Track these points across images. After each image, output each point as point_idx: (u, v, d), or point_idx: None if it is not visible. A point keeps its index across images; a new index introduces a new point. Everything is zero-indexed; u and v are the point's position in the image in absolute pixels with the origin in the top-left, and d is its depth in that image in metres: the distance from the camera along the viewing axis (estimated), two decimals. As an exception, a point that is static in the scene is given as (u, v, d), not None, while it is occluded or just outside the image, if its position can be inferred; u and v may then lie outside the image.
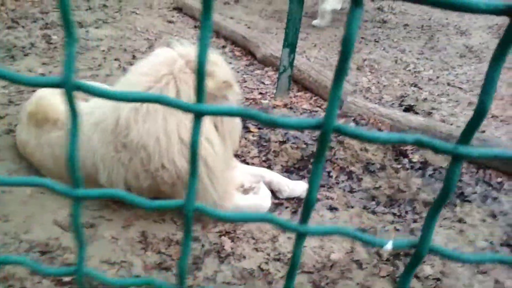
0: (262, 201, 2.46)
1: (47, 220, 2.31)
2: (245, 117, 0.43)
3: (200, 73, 0.42)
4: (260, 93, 3.98)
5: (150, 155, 2.10)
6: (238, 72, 4.39)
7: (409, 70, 4.86)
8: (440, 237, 2.48)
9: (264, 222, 0.50)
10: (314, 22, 6.01)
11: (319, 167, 0.46)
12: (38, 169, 2.59)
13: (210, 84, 2.07)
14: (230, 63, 4.55)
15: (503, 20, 7.12)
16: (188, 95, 2.08)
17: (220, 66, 2.16)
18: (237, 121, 2.43)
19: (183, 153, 2.11)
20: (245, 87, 4.11)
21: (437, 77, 4.74)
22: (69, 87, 0.46)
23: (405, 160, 3.08)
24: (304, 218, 0.49)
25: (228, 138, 2.30)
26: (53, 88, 0.47)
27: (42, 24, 4.77)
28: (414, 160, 3.09)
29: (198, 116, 0.45)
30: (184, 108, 0.44)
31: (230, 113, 0.43)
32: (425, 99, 4.15)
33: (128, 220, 2.34)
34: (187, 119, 2.09)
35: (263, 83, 4.22)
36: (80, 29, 4.83)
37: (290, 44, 3.57)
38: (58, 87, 0.46)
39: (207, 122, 2.15)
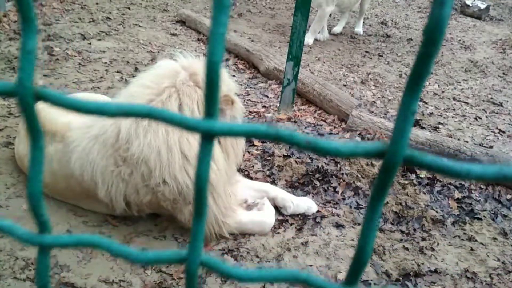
0: (266, 218, 2.38)
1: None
2: (273, 139, 0.35)
3: (213, 83, 0.35)
4: (264, 106, 3.93)
5: (151, 170, 2.04)
6: (241, 85, 4.34)
7: (414, 84, 4.81)
8: (450, 256, 2.40)
9: (296, 282, 0.38)
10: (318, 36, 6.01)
11: (377, 209, 0.36)
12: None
13: None
14: (234, 76, 4.51)
15: (506, 36, 7.11)
16: (191, 109, 2.02)
17: (222, 79, 2.10)
18: None
19: (185, 168, 2.04)
20: (249, 100, 4.05)
21: (443, 92, 4.69)
22: (25, 95, 0.36)
23: (413, 176, 3.01)
24: (352, 280, 0.38)
25: (231, 152, 2.23)
26: (7, 96, 0.38)
27: (45, 36, 4.74)
28: (422, 176, 3.02)
29: (208, 137, 0.36)
30: (191, 126, 0.36)
31: (253, 134, 0.36)
32: (431, 114, 4.09)
33: (128, 237, 2.27)
34: (190, 133, 2.03)
35: (266, 96, 4.17)
36: (83, 41, 4.80)
37: (295, 57, 3.53)
38: (11, 95, 0.37)
39: None
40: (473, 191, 2.96)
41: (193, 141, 2.02)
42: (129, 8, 6.26)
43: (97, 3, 6.28)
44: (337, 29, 6.39)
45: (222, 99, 2.04)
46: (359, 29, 6.49)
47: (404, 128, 0.32)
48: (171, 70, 2.11)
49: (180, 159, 2.01)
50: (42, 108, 2.52)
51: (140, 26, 5.60)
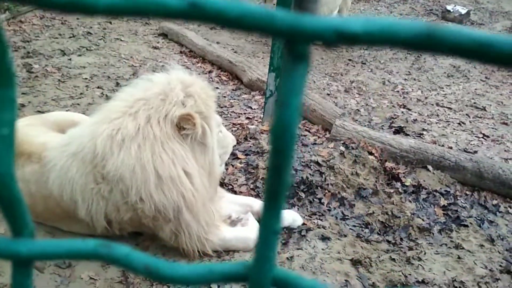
0: (250, 233, 2.33)
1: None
2: (106, 262, 0.28)
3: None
4: (248, 118, 3.89)
5: (128, 188, 1.98)
6: (225, 97, 4.31)
7: (397, 91, 4.82)
8: (438, 265, 2.37)
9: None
10: None
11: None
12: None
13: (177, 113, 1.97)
14: (217, 88, 4.48)
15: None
16: (159, 122, 1.98)
17: (195, 96, 2.03)
18: (220, 151, 2.33)
19: (161, 187, 1.99)
20: (232, 112, 4.02)
21: (426, 98, 4.71)
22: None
23: (398, 184, 2.99)
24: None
25: (210, 169, 2.17)
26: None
27: (24, 53, 4.67)
28: (407, 184, 3.00)
29: (18, 263, 0.29)
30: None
31: (76, 255, 0.30)
32: (415, 120, 4.09)
33: (107, 258, 2.20)
34: (164, 150, 1.98)
35: (250, 107, 4.14)
36: (63, 57, 4.73)
37: (276, 68, 3.50)
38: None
39: (186, 152, 2.03)
40: (458, 198, 2.94)
41: (166, 159, 1.96)
42: (110, 23, 6.21)
43: (77, 18, 6.22)
44: None
45: (179, 118, 1.96)
46: None
47: (267, 250, 0.28)
48: (157, 84, 2.08)
49: (155, 178, 1.96)
50: (20, 129, 2.46)
51: (121, 40, 5.55)
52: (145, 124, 1.97)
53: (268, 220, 0.27)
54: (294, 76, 0.28)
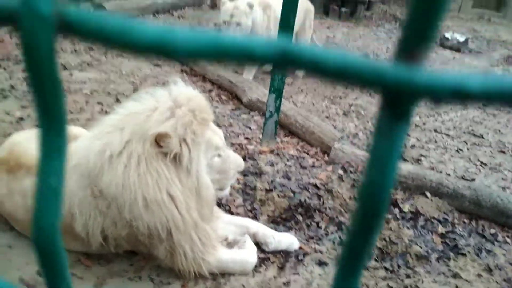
0: (248, 256, 2.30)
1: (13, 277, 2.11)
2: None
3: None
4: (246, 138, 3.89)
5: (121, 205, 1.96)
6: (224, 116, 4.32)
7: (396, 116, 4.85)
8: (435, 295, 2.34)
9: None
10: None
11: None
12: (8, 221, 2.41)
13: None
14: (217, 107, 4.49)
15: (485, 68, 7.29)
16: (139, 138, 1.95)
17: (178, 116, 1.95)
18: (217, 175, 2.20)
19: (149, 209, 1.95)
20: (231, 131, 4.02)
21: (424, 124, 4.73)
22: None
23: (396, 210, 2.98)
24: None
25: (197, 192, 2.08)
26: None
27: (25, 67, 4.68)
28: (405, 210, 2.99)
29: None
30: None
31: None
32: (412, 146, 4.10)
33: (101, 278, 2.16)
34: (149, 171, 1.93)
35: (249, 127, 4.14)
36: (64, 71, 4.74)
37: (277, 89, 3.52)
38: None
39: (170, 173, 1.97)
40: (456, 226, 2.93)
41: (151, 181, 1.92)
42: (112, 39, 6.26)
43: (80, 34, 6.26)
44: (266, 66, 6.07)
45: (154, 136, 1.90)
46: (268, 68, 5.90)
47: None
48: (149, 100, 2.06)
49: (142, 200, 1.93)
50: (20, 142, 2.45)
51: (123, 56, 5.58)
52: (129, 140, 1.94)
53: (342, 281, 0.25)
54: (393, 136, 0.25)
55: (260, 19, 5.04)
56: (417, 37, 0.23)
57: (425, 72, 0.23)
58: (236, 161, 2.24)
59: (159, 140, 1.91)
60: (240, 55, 0.24)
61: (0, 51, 5.04)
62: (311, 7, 5.97)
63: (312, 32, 6.24)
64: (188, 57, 0.25)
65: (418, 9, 0.23)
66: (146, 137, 1.93)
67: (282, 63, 0.24)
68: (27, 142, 2.46)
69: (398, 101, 0.24)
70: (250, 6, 4.80)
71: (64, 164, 0.26)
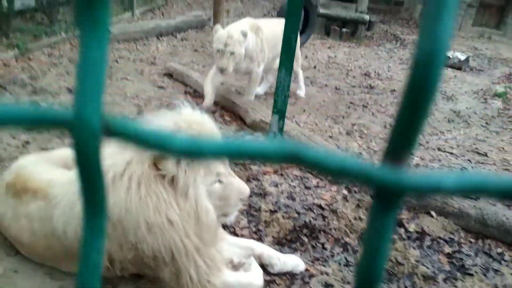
0: (254, 279, 2.29)
1: (18, 302, 2.11)
2: None
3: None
4: (250, 159, 3.90)
5: (126, 228, 1.96)
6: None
7: (399, 135, 4.86)
8: (443, 316, 2.32)
9: None
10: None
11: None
12: (13, 245, 2.42)
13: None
14: (220, 128, 4.51)
15: (487, 86, 7.33)
16: (138, 160, 1.96)
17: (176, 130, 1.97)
18: (218, 202, 2.15)
19: (151, 233, 1.95)
20: (235, 153, 4.04)
21: (427, 142, 4.74)
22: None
23: (401, 230, 2.96)
24: None
25: (196, 216, 2.04)
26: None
27: (31, 90, 4.75)
28: (411, 229, 2.97)
29: None
30: None
31: None
32: (417, 165, 4.10)
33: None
34: (149, 194, 1.93)
35: (253, 148, 4.16)
36: (69, 94, 4.80)
37: (279, 111, 3.55)
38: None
39: (169, 196, 1.97)
40: (463, 245, 2.91)
41: (151, 205, 1.92)
42: (117, 62, 6.34)
43: (85, 57, 6.34)
44: (260, 90, 5.79)
45: (151, 158, 1.90)
46: (261, 91, 5.82)
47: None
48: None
49: (145, 224, 1.93)
50: (26, 166, 2.47)
51: (127, 79, 5.65)
52: (130, 161, 1.96)
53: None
54: (383, 224, 0.30)
55: (253, 44, 4.92)
56: (402, 144, 0.29)
57: (409, 173, 0.29)
58: (239, 188, 2.18)
59: (157, 163, 1.92)
60: (258, 156, 0.29)
61: (6, 75, 5.11)
62: None
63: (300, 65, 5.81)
64: (215, 159, 0.31)
65: (402, 121, 0.30)
66: (144, 159, 1.94)
67: (291, 162, 0.28)
68: (33, 166, 2.48)
69: (387, 196, 0.30)
70: (244, 35, 4.66)
71: (104, 243, 0.30)
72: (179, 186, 1.95)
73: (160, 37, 8.12)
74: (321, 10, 9.61)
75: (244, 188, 2.21)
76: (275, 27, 5.31)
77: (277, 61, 5.24)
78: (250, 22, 5.04)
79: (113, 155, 2.03)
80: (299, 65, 5.85)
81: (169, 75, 6.00)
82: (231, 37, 4.56)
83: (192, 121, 2.04)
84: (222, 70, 4.70)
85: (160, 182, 1.94)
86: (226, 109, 5.04)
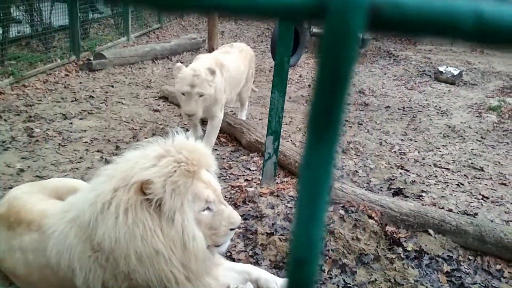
0: (250, 305, 2.26)
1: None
2: None
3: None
4: (246, 180, 3.90)
5: (118, 258, 1.94)
6: (223, 158, 4.34)
7: (395, 152, 4.87)
8: (444, 338, 2.28)
9: None
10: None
11: None
12: (8, 277, 2.39)
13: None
14: (216, 149, 4.52)
15: (480, 100, 7.37)
16: (124, 187, 1.94)
17: (161, 166, 1.93)
18: (208, 231, 2.08)
19: (141, 263, 1.92)
20: (231, 173, 4.03)
21: (423, 158, 4.74)
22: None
23: (400, 249, 2.94)
24: None
25: (182, 245, 1.98)
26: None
27: (26, 117, 4.76)
28: (409, 248, 2.95)
29: None
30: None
31: None
32: (413, 182, 4.09)
33: (101, 334, 2.11)
34: (135, 223, 1.91)
35: (249, 169, 4.15)
36: (64, 120, 4.81)
37: (274, 132, 3.56)
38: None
39: (154, 224, 1.93)
40: (461, 263, 2.88)
41: (138, 235, 1.89)
42: (112, 86, 6.38)
43: (80, 82, 6.39)
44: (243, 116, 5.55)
45: (135, 185, 1.89)
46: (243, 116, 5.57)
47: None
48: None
49: (134, 254, 1.91)
50: (20, 197, 2.46)
51: (123, 103, 5.67)
52: (116, 188, 1.94)
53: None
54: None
55: (220, 82, 4.26)
56: None
57: None
58: (230, 217, 2.11)
59: (144, 187, 1.89)
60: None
61: (1, 103, 5.12)
62: (253, 54, 5.46)
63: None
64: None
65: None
66: (130, 185, 1.92)
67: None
68: (26, 196, 2.46)
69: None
70: (212, 72, 4.02)
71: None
72: (165, 210, 1.91)
73: (155, 61, 8.19)
74: (314, 29, 9.71)
75: (235, 218, 2.13)
76: (238, 61, 4.82)
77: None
78: (213, 59, 4.45)
79: (100, 184, 2.02)
80: (248, 95, 5.55)
81: (165, 98, 6.03)
82: (197, 77, 3.94)
83: (178, 148, 2.03)
84: (189, 116, 4.11)
85: (146, 208, 1.91)
86: (222, 130, 5.05)
